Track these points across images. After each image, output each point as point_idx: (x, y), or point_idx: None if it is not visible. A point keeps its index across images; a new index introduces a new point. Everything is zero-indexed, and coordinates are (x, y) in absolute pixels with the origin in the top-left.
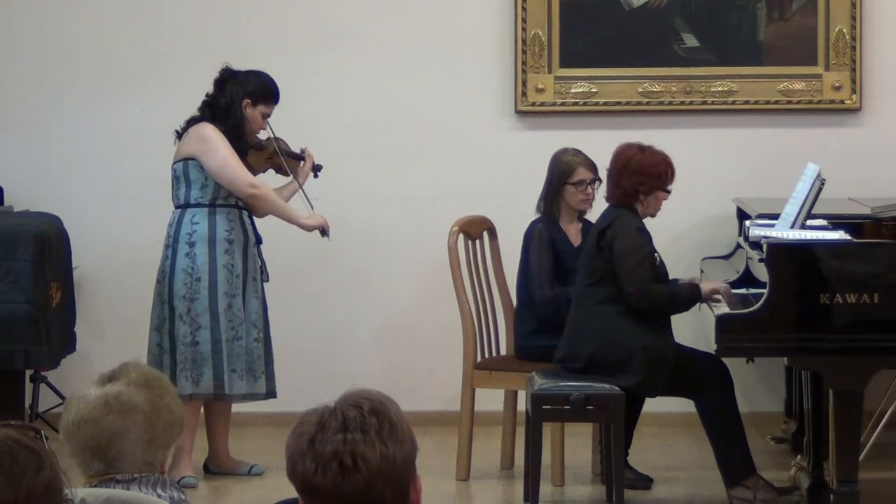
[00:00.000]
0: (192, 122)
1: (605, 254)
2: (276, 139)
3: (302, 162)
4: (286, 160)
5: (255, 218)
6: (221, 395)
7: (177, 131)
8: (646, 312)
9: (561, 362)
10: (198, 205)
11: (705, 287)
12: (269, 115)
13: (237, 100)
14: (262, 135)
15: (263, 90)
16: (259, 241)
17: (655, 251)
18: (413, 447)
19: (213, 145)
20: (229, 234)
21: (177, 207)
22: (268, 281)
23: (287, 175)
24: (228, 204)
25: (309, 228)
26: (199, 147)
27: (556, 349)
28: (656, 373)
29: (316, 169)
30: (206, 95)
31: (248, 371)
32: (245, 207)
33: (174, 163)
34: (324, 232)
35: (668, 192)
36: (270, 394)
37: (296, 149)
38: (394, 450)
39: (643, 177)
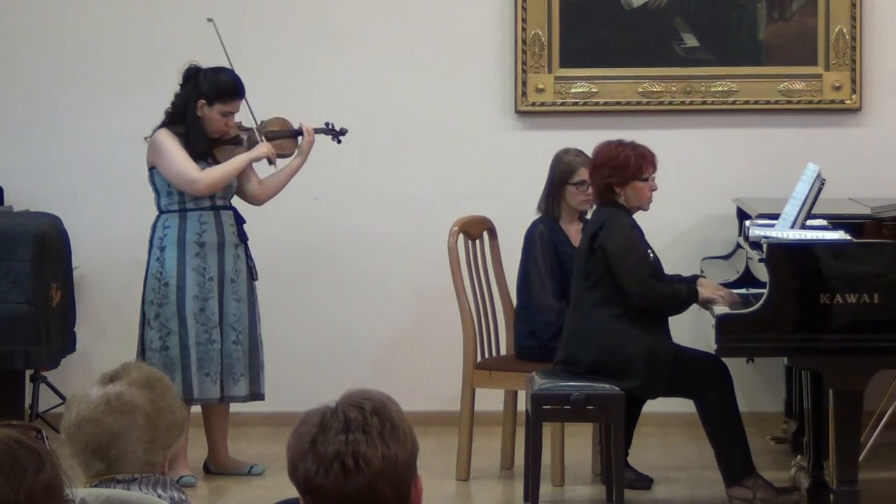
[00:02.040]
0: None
1: (598, 255)
2: (260, 128)
3: (300, 137)
4: (281, 143)
5: (242, 220)
6: (190, 399)
7: (146, 138)
8: (648, 311)
9: (561, 364)
10: (168, 211)
11: (703, 293)
12: (231, 113)
13: (191, 101)
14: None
15: (218, 89)
16: (244, 240)
17: (649, 247)
18: (414, 447)
19: (161, 151)
20: (200, 236)
21: (157, 212)
22: (256, 279)
23: (287, 157)
24: (200, 207)
25: (257, 158)
26: (152, 155)
27: (556, 352)
28: (657, 375)
29: (339, 133)
30: (175, 96)
31: (228, 373)
32: (220, 208)
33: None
34: (270, 161)
35: (646, 180)
36: (255, 396)
37: (294, 124)
38: (395, 450)
39: (610, 169)
